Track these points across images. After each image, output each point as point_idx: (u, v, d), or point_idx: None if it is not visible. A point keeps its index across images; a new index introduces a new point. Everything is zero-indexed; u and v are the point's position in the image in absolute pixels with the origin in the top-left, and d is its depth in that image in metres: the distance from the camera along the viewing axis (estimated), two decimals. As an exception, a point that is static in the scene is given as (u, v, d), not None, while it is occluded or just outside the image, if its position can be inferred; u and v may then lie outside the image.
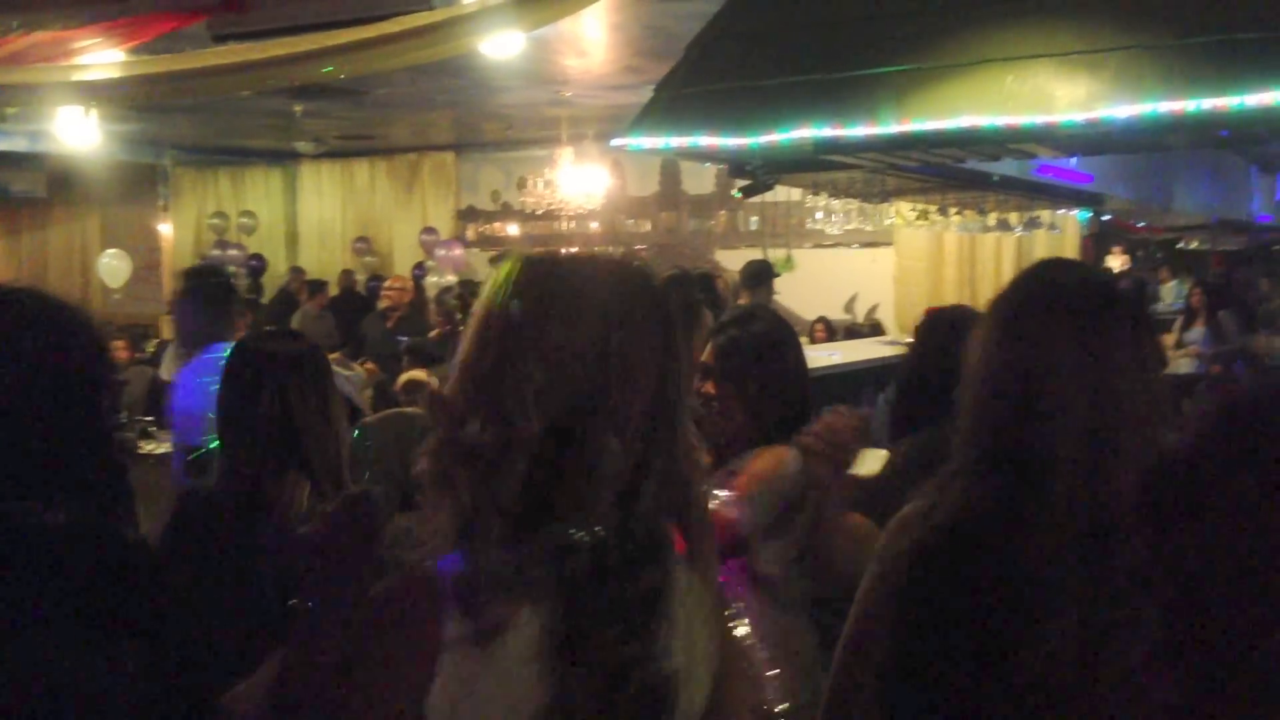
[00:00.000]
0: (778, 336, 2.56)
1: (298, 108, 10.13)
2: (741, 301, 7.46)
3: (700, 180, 12.41)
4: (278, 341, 2.42)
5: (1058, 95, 4.05)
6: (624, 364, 1.15)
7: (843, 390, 5.96)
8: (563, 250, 1.29)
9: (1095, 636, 1.33)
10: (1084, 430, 1.37)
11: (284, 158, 14.25)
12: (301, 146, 11.75)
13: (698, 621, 1.22)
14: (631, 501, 1.14)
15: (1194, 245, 11.17)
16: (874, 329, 10.25)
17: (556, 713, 1.10)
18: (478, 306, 1.20)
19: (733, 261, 12.37)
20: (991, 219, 7.55)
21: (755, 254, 11.75)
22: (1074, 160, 6.70)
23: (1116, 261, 11.26)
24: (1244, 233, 10.62)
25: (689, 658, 1.20)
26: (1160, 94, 3.88)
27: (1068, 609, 1.33)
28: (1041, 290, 1.51)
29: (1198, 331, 9.58)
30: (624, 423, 1.14)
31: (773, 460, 2.34)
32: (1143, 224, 10.19)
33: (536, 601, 1.11)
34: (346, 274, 12.92)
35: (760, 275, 6.63)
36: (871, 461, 2.60)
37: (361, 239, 14.13)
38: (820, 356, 6.39)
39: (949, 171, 5.57)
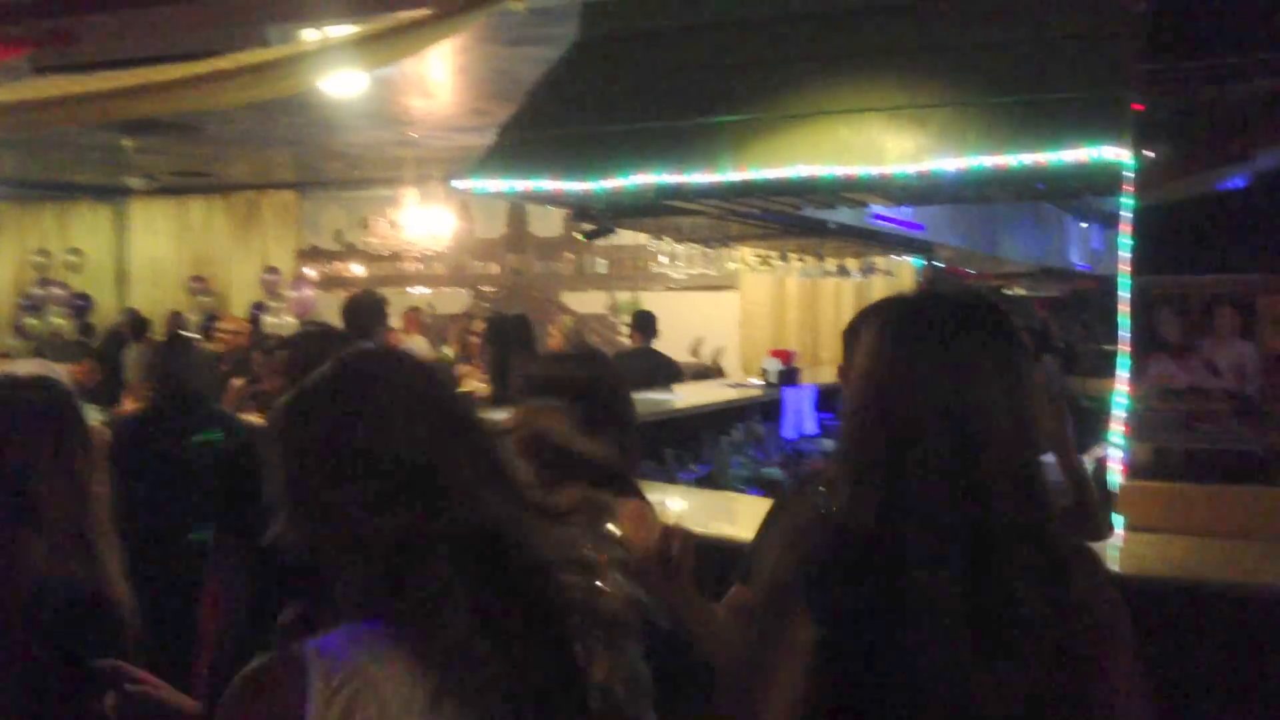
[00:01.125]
0: (602, 379, 2.54)
1: (128, 143, 9.74)
2: (632, 343, 7.64)
3: (547, 223, 12.42)
4: (11, 389, 2.23)
5: (888, 147, 4.19)
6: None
7: (684, 432, 6.02)
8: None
9: (969, 655, 1.35)
10: (950, 445, 1.38)
11: (113, 194, 13.68)
12: (132, 183, 11.33)
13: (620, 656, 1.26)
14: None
15: (1019, 291, 11.70)
16: (715, 371, 10.41)
17: None
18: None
19: (580, 304, 12.43)
20: (830, 264, 7.77)
21: (603, 296, 11.84)
22: (910, 210, 6.97)
23: (948, 306, 11.67)
24: (1066, 280, 11.19)
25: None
26: (983, 148, 4.06)
27: (945, 625, 1.35)
28: (907, 305, 1.53)
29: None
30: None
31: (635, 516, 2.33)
32: (973, 271, 10.62)
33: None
34: (175, 316, 12.43)
35: (648, 323, 7.68)
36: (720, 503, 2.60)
37: (197, 278, 13.65)
38: (663, 399, 6.45)
39: (788, 218, 5.70)
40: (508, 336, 6.70)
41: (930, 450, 1.38)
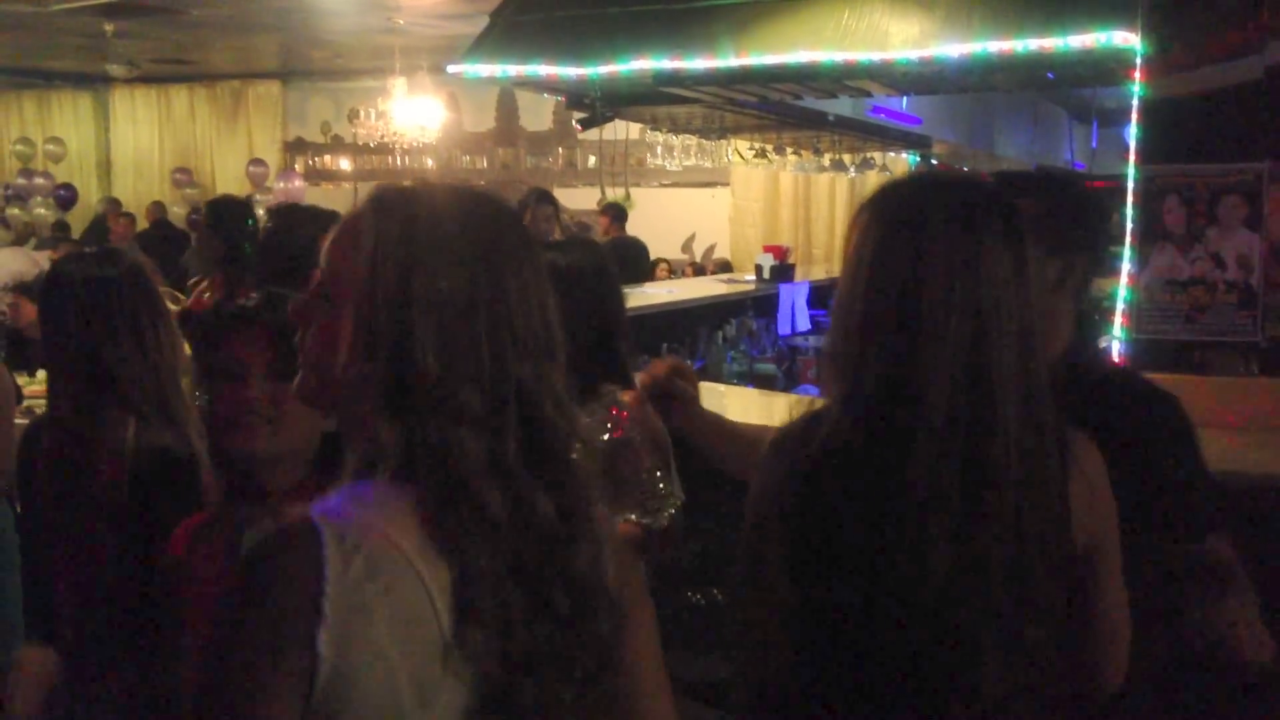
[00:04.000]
0: (589, 269, 2.48)
1: (108, 26, 9.49)
2: (608, 235, 7.66)
3: (538, 116, 12.22)
4: (85, 264, 2.30)
5: (892, 32, 4.10)
6: (492, 307, 1.11)
7: (678, 327, 6.00)
8: (411, 182, 1.20)
9: (968, 558, 1.35)
10: (959, 346, 1.35)
11: (95, 82, 13.38)
12: (114, 70, 11.04)
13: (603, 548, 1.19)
14: (500, 448, 1.10)
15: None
16: (723, 268, 10.37)
17: (462, 649, 1.06)
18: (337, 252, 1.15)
19: (570, 199, 12.29)
20: (826, 159, 7.66)
21: (593, 192, 11.71)
22: (904, 102, 6.87)
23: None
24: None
25: (599, 585, 1.17)
26: (989, 34, 3.97)
27: (943, 529, 1.34)
28: (913, 194, 1.47)
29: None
30: (493, 372, 1.10)
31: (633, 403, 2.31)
32: (967, 168, 10.54)
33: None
34: (156, 205, 12.24)
35: (621, 213, 8.10)
36: (713, 397, 2.60)
37: (181, 169, 13.44)
38: (656, 293, 6.41)
39: (786, 109, 5.60)
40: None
41: (942, 342, 1.34)
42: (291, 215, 3.32)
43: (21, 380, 4.83)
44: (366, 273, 1.11)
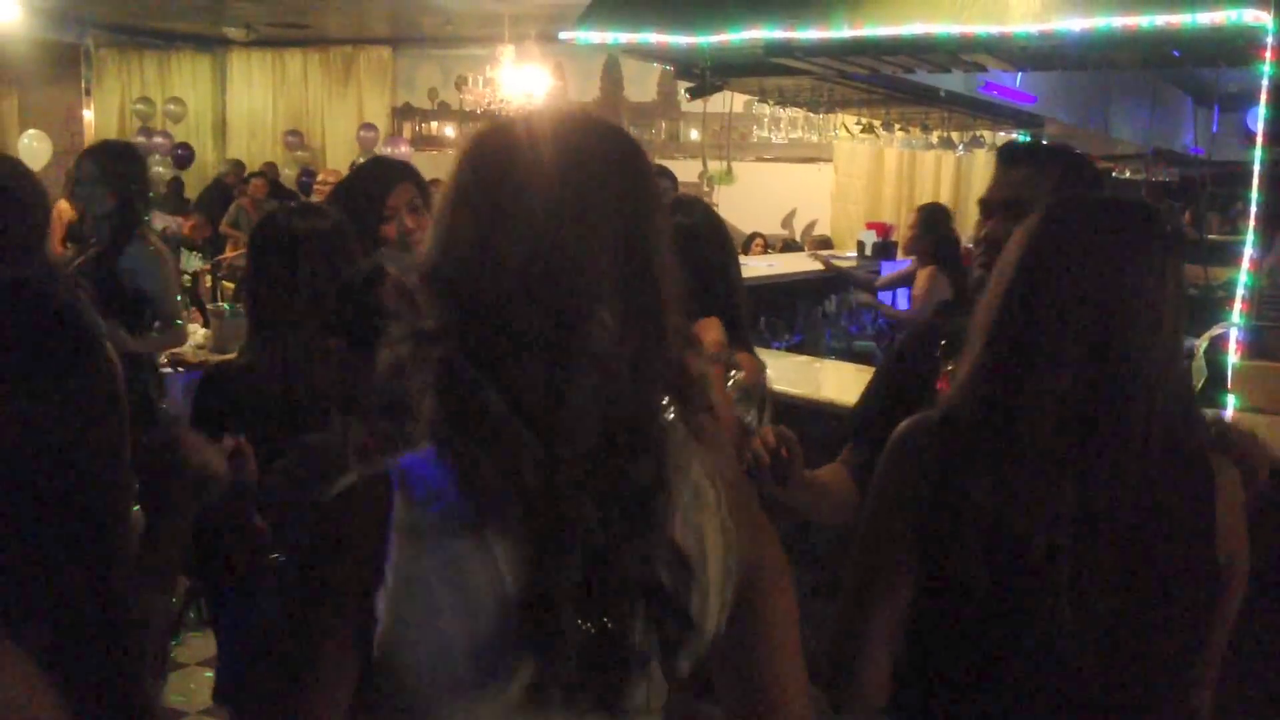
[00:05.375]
0: (704, 229, 2.49)
1: (228, -11, 9.75)
2: None
3: (643, 87, 12.22)
4: (307, 217, 2.42)
5: (1012, 4, 4.01)
6: (584, 224, 1.04)
7: (779, 301, 5.98)
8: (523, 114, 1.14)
9: (1084, 526, 1.38)
10: (1088, 335, 1.40)
11: (213, 44, 13.73)
12: (231, 32, 11.35)
13: (708, 516, 1.11)
14: (618, 383, 1.03)
15: (1127, 175, 11.28)
16: (823, 244, 10.28)
17: (526, 600, 1.02)
18: (441, 189, 1.11)
19: (673, 172, 12.27)
20: (934, 136, 7.54)
21: (695, 164, 11.68)
22: (1018, 79, 6.71)
23: (1050, 187, 11.32)
24: (1176, 165, 10.73)
25: (699, 554, 1.10)
26: (1113, 9, 3.86)
27: (1063, 493, 1.38)
28: (1078, 205, 1.55)
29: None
30: (600, 293, 1.03)
31: (752, 366, 2.33)
32: (1080, 149, 10.24)
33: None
34: (269, 166, 12.54)
35: None
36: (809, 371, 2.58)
37: (293, 132, 13.74)
38: (759, 266, 6.39)
39: (897, 83, 5.52)
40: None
41: (1067, 339, 1.40)
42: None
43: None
44: (455, 187, 1.08)
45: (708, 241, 2.45)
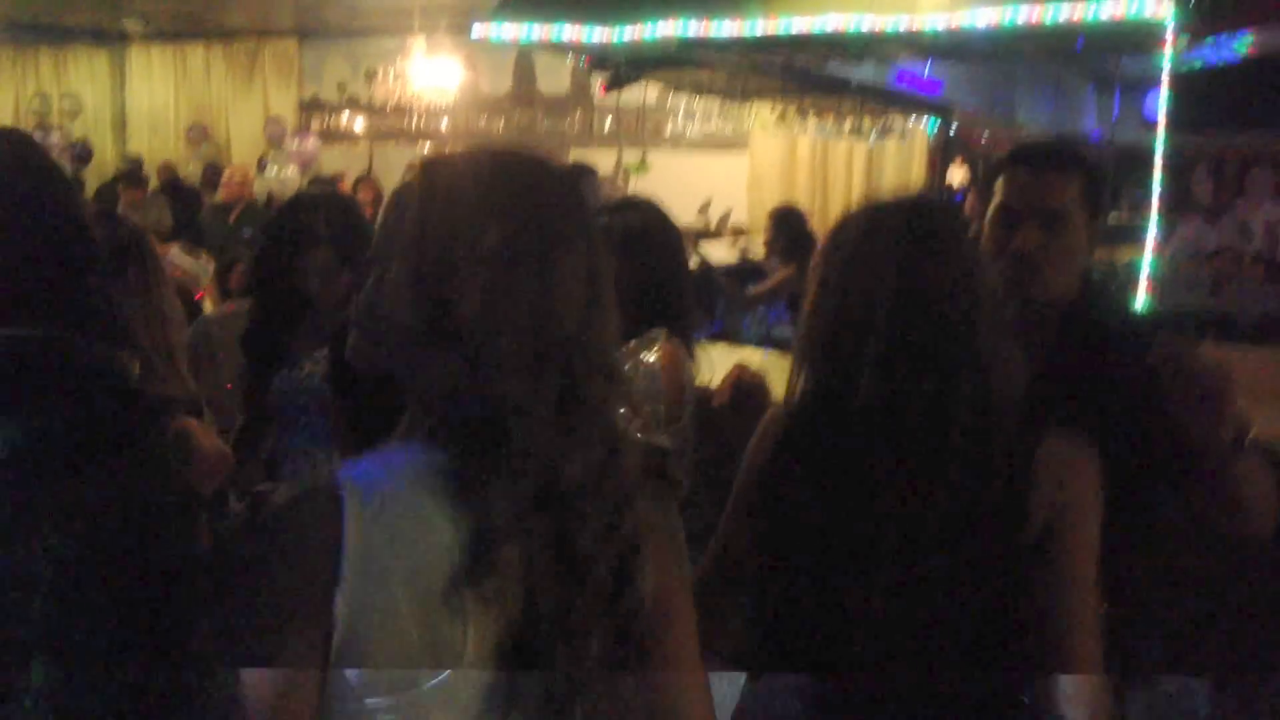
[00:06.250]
0: (650, 226, 2.49)
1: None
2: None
3: (555, 79, 12.15)
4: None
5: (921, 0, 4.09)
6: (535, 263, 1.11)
7: (698, 290, 6.01)
8: (461, 151, 1.21)
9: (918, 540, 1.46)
10: (886, 338, 1.47)
11: (111, 39, 13.34)
12: (130, 25, 11.02)
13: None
14: (536, 401, 1.09)
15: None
16: (739, 233, 10.34)
17: (476, 601, 1.06)
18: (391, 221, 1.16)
19: (588, 162, 12.23)
20: (847, 124, 7.64)
21: (610, 155, 11.68)
22: (926, 68, 6.82)
23: (958, 173, 11.57)
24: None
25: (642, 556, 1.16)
26: (1018, 1, 3.95)
27: (877, 492, 1.48)
28: (867, 213, 1.61)
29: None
30: (535, 325, 1.10)
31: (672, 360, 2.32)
32: (986, 135, 10.46)
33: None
34: (166, 166, 12.19)
35: None
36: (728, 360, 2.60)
37: (196, 128, 13.42)
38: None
39: (810, 75, 5.59)
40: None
41: (875, 336, 1.47)
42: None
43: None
44: (415, 232, 1.11)
45: (659, 245, 2.44)
